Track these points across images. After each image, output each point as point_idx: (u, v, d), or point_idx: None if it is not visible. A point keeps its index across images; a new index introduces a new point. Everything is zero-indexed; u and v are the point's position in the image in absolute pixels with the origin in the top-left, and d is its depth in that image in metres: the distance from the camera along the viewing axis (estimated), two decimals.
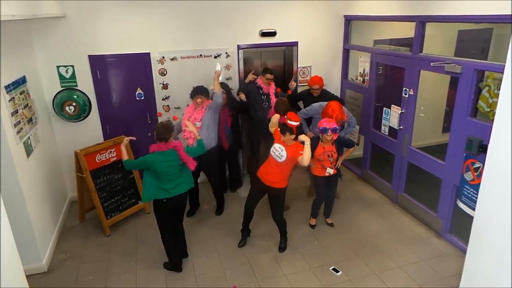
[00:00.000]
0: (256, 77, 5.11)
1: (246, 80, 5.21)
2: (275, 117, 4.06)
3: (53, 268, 3.98)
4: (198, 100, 4.38)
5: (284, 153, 3.75)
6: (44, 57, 4.62)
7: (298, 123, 3.84)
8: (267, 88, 5.02)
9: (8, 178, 3.44)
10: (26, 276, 2.52)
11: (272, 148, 3.87)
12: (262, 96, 5.02)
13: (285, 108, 4.39)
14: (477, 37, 5.24)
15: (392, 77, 5.33)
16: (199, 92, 4.39)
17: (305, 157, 3.57)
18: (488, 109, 4.87)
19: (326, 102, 4.57)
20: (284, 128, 3.74)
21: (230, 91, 5.11)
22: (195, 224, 4.68)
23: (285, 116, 3.93)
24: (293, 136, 3.76)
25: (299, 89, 5.77)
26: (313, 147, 4.17)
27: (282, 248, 4.20)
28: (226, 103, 4.90)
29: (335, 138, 4.14)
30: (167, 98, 5.24)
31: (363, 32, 5.69)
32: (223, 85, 4.94)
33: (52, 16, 4.16)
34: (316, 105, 4.76)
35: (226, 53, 5.29)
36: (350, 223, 4.68)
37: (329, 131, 4.03)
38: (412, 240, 4.31)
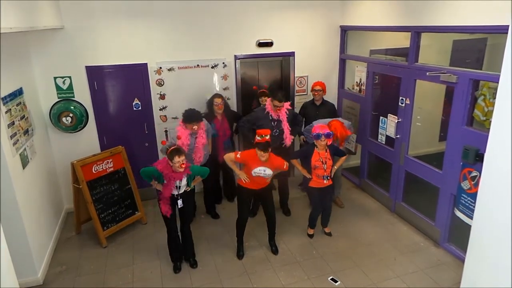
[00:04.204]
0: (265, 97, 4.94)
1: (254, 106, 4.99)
2: (229, 158, 4.03)
3: (48, 280, 3.93)
4: (195, 127, 4.29)
5: (269, 171, 3.92)
6: (41, 68, 4.63)
7: (268, 135, 3.89)
8: (276, 114, 4.64)
9: (4, 190, 3.41)
10: None
11: (253, 173, 3.90)
12: (272, 123, 4.64)
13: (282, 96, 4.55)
14: (472, 47, 5.30)
15: (388, 86, 5.37)
16: (195, 119, 4.27)
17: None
18: (484, 118, 4.91)
19: (327, 121, 4.59)
20: (264, 145, 3.77)
21: (227, 102, 5.10)
22: (192, 234, 4.64)
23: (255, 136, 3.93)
24: (266, 153, 3.80)
25: (296, 99, 5.81)
26: (309, 154, 4.21)
27: (275, 250, 4.27)
28: (224, 114, 4.91)
29: (329, 142, 4.16)
30: (164, 108, 5.25)
31: (359, 42, 5.75)
32: (220, 95, 4.93)
33: (49, 28, 4.17)
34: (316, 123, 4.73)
35: (223, 63, 5.32)
36: (348, 232, 4.66)
37: (323, 137, 4.06)
38: (411, 249, 4.29)
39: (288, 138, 4.72)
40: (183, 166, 3.58)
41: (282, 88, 5.91)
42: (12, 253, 2.30)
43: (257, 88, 5.26)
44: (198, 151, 4.43)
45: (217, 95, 4.90)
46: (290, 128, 4.74)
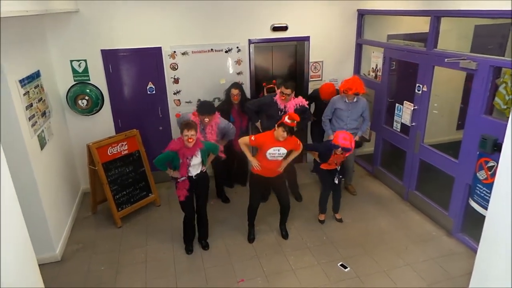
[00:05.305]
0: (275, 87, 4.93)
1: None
2: (244, 141, 4.01)
3: (66, 257, 4.08)
4: (206, 120, 4.27)
5: (283, 150, 3.87)
6: (58, 51, 4.68)
7: (294, 121, 3.78)
8: (283, 104, 4.51)
9: (22, 170, 3.52)
10: (40, 265, 2.59)
11: (267, 155, 3.86)
12: (279, 112, 4.54)
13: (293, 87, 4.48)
14: (494, 32, 5.11)
15: (405, 72, 5.24)
16: (206, 111, 4.24)
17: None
18: (505, 106, 4.76)
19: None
20: (289, 128, 3.74)
21: (243, 91, 5.04)
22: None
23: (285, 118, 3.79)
24: (287, 135, 3.79)
25: (310, 84, 5.74)
26: (326, 157, 4.19)
27: (286, 234, 4.31)
28: (240, 104, 4.91)
29: (346, 155, 4.12)
30: (178, 92, 5.27)
31: (376, 26, 5.60)
32: (238, 86, 4.93)
33: (65, 11, 4.20)
34: (335, 98, 4.78)
35: (237, 47, 5.28)
36: (359, 219, 4.66)
37: (340, 149, 3.99)
38: (422, 238, 4.27)
39: None
40: (191, 140, 3.59)
41: (296, 74, 5.84)
42: (31, 231, 2.39)
43: (266, 84, 5.23)
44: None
45: (234, 85, 4.89)
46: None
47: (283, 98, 4.46)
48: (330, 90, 5.01)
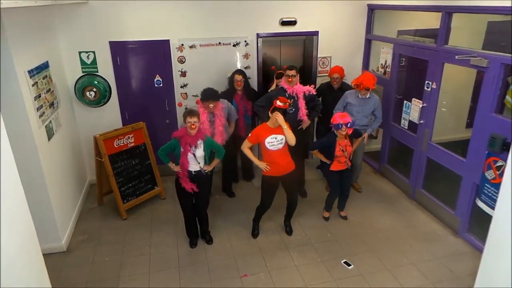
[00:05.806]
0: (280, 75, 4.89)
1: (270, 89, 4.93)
2: (245, 145, 3.99)
3: (71, 248, 4.13)
4: (211, 105, 4.26)
5: (280, 136, 3.84)
6: (66, 42, 4.71)
7: (286, 103, 3.83)
8: (291, 89, 4.43)
9: (30, 161, 3.56)
10: (46, 254, 2.63)
11: (267, 145, 3.82)
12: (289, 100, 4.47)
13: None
14: (508, 29, 5.00)
15: (414, 69, 5.17)
16: (210, 97, 4.25)
17: (289, 138, 3.80)
18: None
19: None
20: (283, 111, 3.77)
21: (247, 77, 5.02)
22: (208, 212, 4.72)
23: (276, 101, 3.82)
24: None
25: (318, 80, 5.70)
26: (332, 145, 4.15)
27: (290, 230, 4.30)
28: (244, 91, 4.90)
29: (349, 132, 4.07)
30: (185, 85, 5.27)
31: (386, 22, 5.52)
32: (241, 72, 4.92)
33: (74, 2, 4.21)
34: (347, 92, 4.78)
35: (245, 41, 5.25)
36: (364, 217, 4.63)
37: (344, 127, 3.97)
38: (428, 237, 4.23)
39: (304, 117, 4.50)
40: (194, 127, 3.59)
41: (304, 69, 5.79)
42: (38, 221, 2.42)
43: (275, 68, 5.17)
44: (219, 133, 4.41)
45: (237, 72, 4.89)
46: (306, 108, 4.52)
47: (290, 80, 4.42)
48: (338, 67, 4.98)
